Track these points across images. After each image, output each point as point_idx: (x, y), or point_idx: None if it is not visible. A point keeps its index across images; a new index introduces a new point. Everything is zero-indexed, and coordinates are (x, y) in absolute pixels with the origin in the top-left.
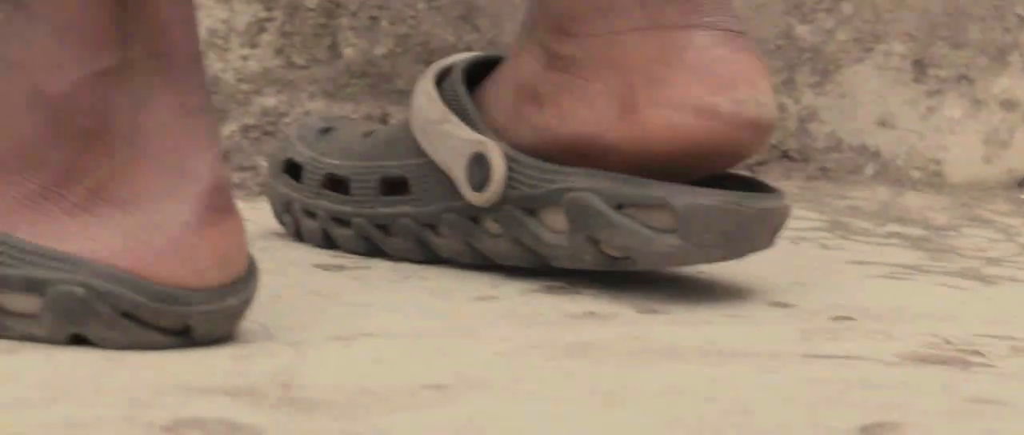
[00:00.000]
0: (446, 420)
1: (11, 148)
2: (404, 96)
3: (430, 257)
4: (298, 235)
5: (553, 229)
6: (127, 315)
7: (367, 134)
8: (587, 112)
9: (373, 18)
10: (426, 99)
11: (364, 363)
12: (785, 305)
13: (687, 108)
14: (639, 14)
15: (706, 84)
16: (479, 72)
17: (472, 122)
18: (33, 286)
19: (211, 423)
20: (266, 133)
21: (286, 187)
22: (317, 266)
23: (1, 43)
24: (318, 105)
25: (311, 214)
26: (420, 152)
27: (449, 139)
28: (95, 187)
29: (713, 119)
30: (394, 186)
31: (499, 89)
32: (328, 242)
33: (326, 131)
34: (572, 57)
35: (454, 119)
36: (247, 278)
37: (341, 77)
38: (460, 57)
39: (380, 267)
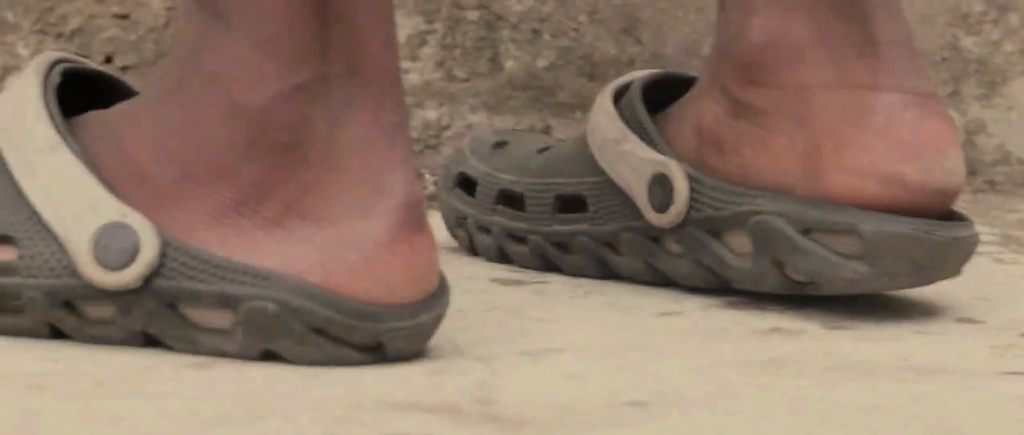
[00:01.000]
0: None
1: (204, 160)
2: (566, 109)
3: (607, 274)
4: (472, 249)
5: (737, 251)
6: (319, 331)
7: (542, 150)
8: (770, 166)
9: (535, 31)
10: (605, 117)
11: (558, 379)
12: (973, 321)
13: (873, 175)
14: (829, 69)
15: (893, 151)
16: (657, 90)
17: (652, 141)
18: (226, 301)
19: None
20: (428, 146)
21: (459, 201)
22: (495, 280)
23: (198, 54)
24: (479, 118)
25: (486, 230)
26: (598, 170)
27: (630, 159)
28: (288, 201)
29: (899, 188)
30: (570, 203)
31: (680, 126)
32: (503, 257)
33: (499, 145)
34: (758, 107)
35: (633, 138)
36: (438, 295)
37: (503, 90)
38: (638, 75)
39: (558, 281)
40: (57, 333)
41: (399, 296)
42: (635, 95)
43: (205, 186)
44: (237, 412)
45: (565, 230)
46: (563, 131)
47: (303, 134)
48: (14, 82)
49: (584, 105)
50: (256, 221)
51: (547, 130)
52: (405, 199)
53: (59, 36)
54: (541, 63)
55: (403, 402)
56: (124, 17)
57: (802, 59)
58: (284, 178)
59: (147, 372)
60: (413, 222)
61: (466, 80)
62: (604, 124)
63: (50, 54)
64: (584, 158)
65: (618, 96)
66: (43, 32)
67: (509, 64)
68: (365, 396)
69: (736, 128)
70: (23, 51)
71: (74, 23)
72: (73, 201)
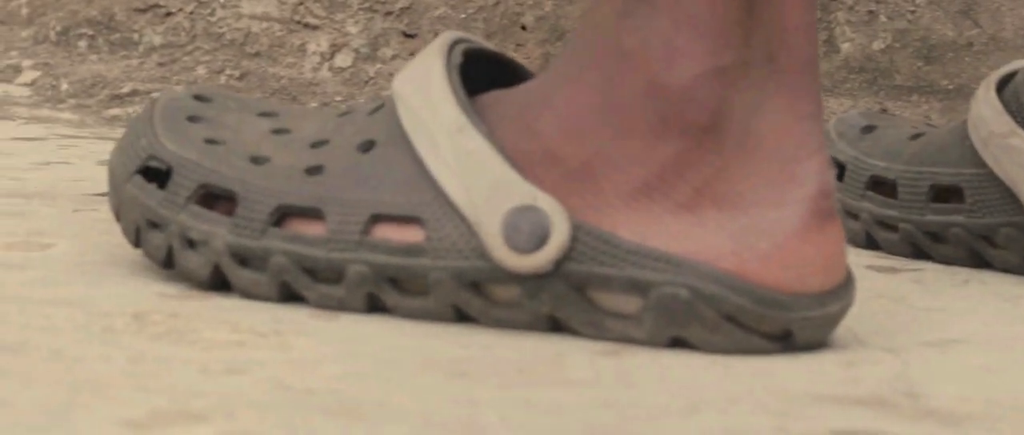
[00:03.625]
0: None
1: (618, 140)
2: (903, 92)
3: (980, 265)
4: None
5: None
6: (730, 318)
7: (914, 137)
8: None
9: (871, 12)
10: (990, 110)
11: (974, 372)
12: None
13: None
14: None
15: None
16: None
17: None
18: (636, 287)
19: None
20: None
21: None
22: (870, 267)
23: (614, 33)
24: None
25: (853, 215)
26: (978, 163)
27: (1017, 154)
28: (700, 186)
29: None
30: (945, 194)
31: None
32: (871, 243)
33: (868, 129)
34: None
35: (1022, 133)
36: (846, 285)
37: (838, 72)
38: (1020, 64)
39: (932, 269)
40: (460, 316)
41: (809, 285)
42: (1021, 87)
43: (618, 167)
44: (671, 403)
45: (939, 220)
46: (899, 114)
47: (720, 118)
48: (416, 61)
49: (920, 88)
50: (666, 205)
51: (884, 111)
52: (818, 188)
53: (388, 14)
54: (877, 45)
55: (830, 395)
56: None
57: None
58: (697, 162)
59: (561, 359)
60: (825, 212)
61: None
62: (990, 117)
63: (451, 34)
64: (963, 149)
65: (1001, 86)
66: (372, 9)
67: (845, 46)
68: (788, 387)
69: None
70: (352, 29)
71: (403, 1)
72: (483, 183)
